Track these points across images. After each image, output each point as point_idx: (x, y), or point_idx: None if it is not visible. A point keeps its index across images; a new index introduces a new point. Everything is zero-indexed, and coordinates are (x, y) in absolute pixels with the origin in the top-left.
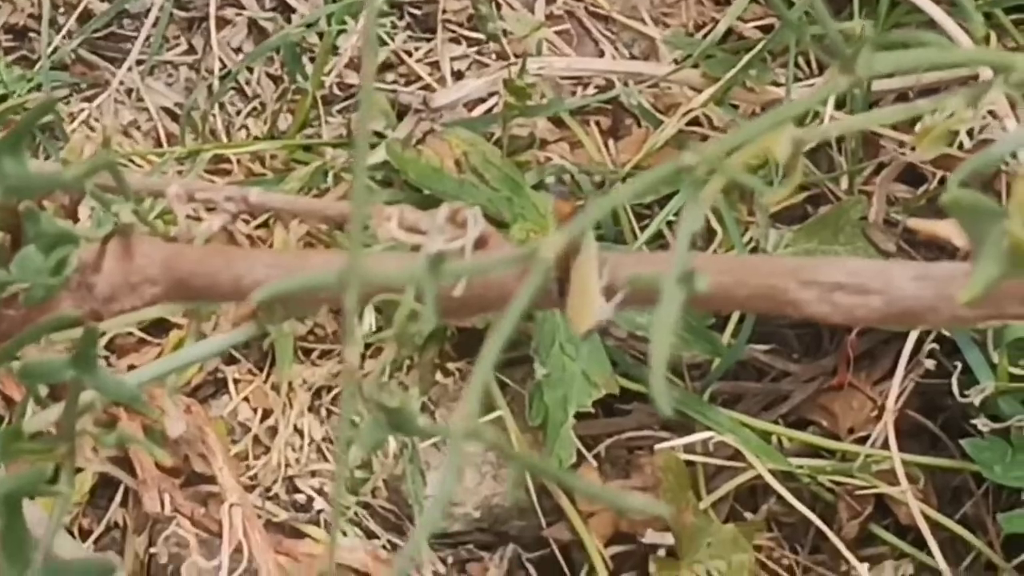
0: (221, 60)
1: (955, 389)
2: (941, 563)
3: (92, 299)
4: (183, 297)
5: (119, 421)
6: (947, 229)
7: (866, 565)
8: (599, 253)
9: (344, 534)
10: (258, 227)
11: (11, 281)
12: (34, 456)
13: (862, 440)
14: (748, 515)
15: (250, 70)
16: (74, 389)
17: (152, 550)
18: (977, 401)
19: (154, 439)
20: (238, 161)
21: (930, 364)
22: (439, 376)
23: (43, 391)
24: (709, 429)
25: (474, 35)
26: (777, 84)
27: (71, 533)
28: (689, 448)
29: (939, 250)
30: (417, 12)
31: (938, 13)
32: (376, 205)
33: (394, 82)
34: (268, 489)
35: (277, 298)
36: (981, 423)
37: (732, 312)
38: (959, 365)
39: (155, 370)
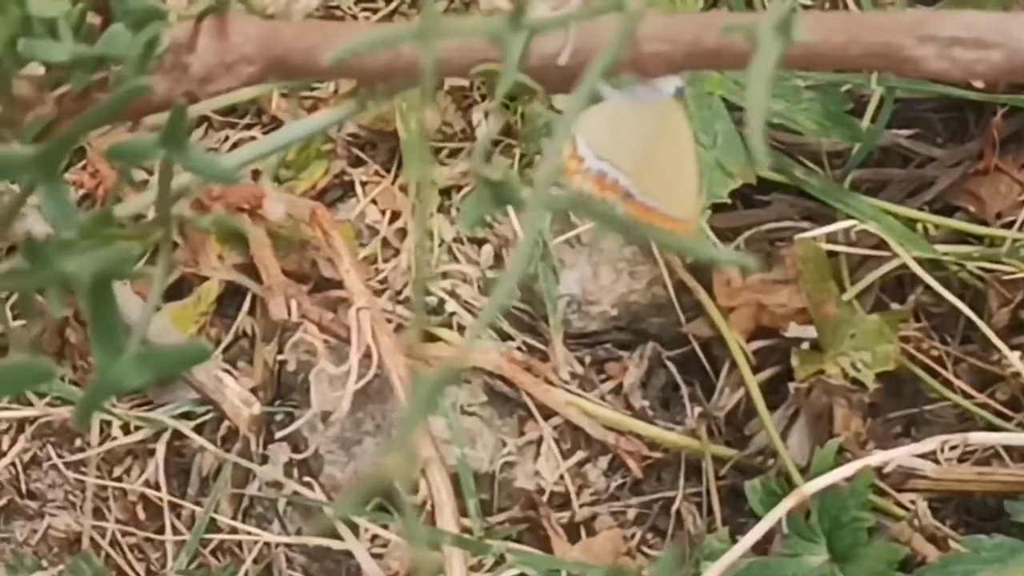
0: None
1: None
2: None
3: (187, 80)
4: (281, 75)
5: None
6: None
7: (1017, 353)
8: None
9: (479, 336)
10: (363, 6)
11: (98, 57)
12: (127, 240)
13: (1011, 225)
14: (895, 306)
15: None
16: (165, 170)
17: (280, 357)
18: None
19: (281, 243)
20: None
21: None
22: None
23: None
24: (851, 218)
25: None
26: None
27: None
28: (832, 238)
29: None
30: None
31: None
32: None
33: None
34: (398, 292)
35: (371, 68)
36: None
37: (850, 70)
38: None
39: (253, 151)
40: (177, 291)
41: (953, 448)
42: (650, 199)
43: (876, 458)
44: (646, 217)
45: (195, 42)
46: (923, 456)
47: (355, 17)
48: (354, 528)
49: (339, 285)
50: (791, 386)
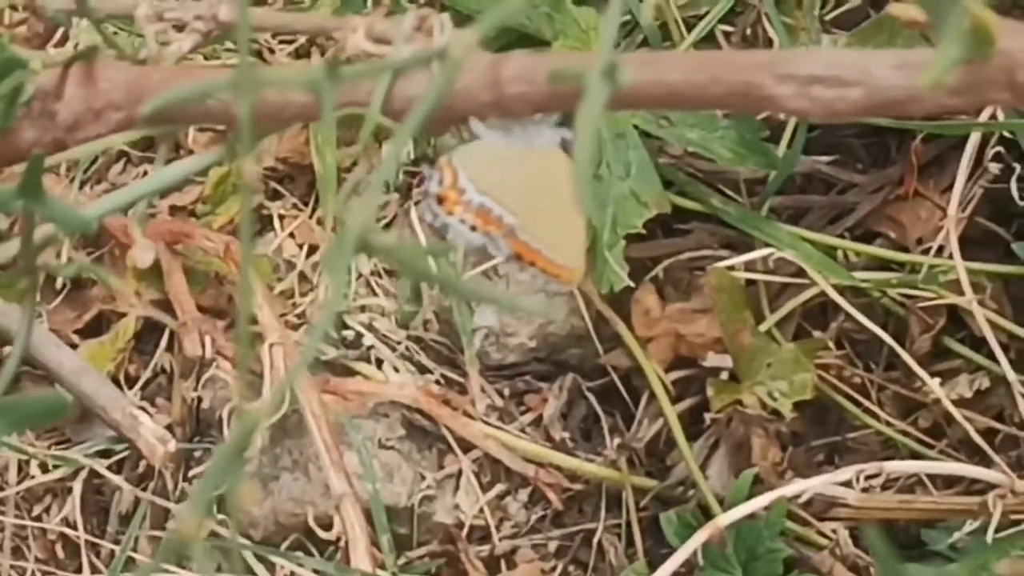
0: None
1: (1014, 192)
2: (1010, 373)
3: (55, 127)
4: (149, 122)
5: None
6: (918, 12)
7: (938, 380)
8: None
9: (396, 370)
10: (281, 39)
11: None
12: None
13: (932, 251)
14: (817, 334)
15: None
16: (27, 220)
17: (196, 394)
18: None
19: (198, 279)
20: None
21: (996, 168)
22: None
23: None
24: (769, 246)
25: None
26: None
27: (116, 381)
28: (750, 267)
29: None
30: None
31: None
32: (346, 16)
33: None
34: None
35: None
36: None
37: (711, 110)
38: (1016, 168)
39: (120, 199)
40: (96, 328)
41: (871, 477)
42: (534, 240)
43: (791, 488)
44: (529, 257)
45: (62, 89)
46: (843, 484)
47: (272, 51)
48: (270, 566)
49: (255, 320)
50: (708, 416)
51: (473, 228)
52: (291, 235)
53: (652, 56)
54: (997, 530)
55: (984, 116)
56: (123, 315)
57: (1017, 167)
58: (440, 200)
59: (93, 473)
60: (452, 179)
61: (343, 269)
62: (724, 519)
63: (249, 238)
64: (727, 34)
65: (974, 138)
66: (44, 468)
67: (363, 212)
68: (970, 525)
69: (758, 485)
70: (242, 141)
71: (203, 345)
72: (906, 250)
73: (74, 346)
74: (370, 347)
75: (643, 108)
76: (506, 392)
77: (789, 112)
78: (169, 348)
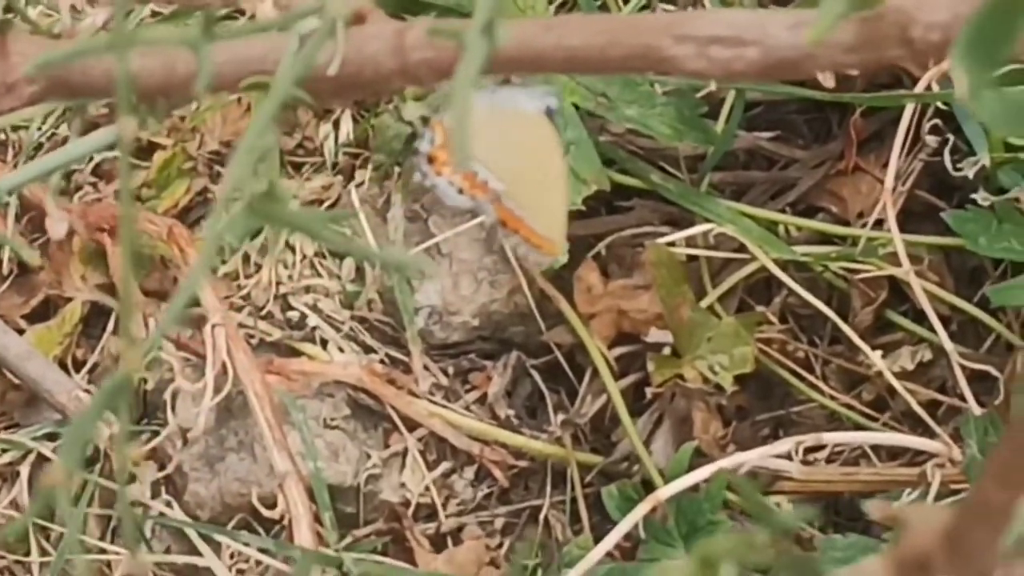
0: None
1: (948, 163)
2: (947, 343)
3: None
4: (62, 95)
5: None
6: None
7: (880, 353)
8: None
9: (341, 350)
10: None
11: None
12: None
13: (873, 225)
14: (761, 308)
15: None
16: None
17: (141, 376)
18: (971, 174)
19: (142, 263)
20: None
21: (934, 142)
22: None
23: None
24: (709, 221)
25: None
26: None
27: (64, 365)
28: (692, 242)
29: None
30: None
31: None
32: None
33: None
34: (260, 308)
35: (149, 84)
36: (981, 197)
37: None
38: (950, 139)
39: (31, 171)
40: (43, 313)
41: (816, 450)
42: (518, 208)
43: (729, 460)
44: (513, 224)
45: None
46: (783, 457)
47: None
48: (216, 546)
49: (198, 302)
50: (648, 391)
51: (460, 191)
52: None
53: (553, 20)
54: (937, 499)
55: (920, 87)
56: (70, 300)
57: (952, 138)
58: (430, 160)
59: (41, 457)
60: (443, 139)
61: (229, 234)
62: (664, 492)
63: (129, 207)
64: (666, 11)
65: (909, 111)
66: None
67: (238, 175)
68: (909, 495)
69: (701, 459)
70: (121, 103)
71: (147, 328)
72: (847, 224)
73: (21, 331)
74: (314, 327)
75: (545, 72)
76: (450, 370)
77: (689, 74)
78: (116, 332)
